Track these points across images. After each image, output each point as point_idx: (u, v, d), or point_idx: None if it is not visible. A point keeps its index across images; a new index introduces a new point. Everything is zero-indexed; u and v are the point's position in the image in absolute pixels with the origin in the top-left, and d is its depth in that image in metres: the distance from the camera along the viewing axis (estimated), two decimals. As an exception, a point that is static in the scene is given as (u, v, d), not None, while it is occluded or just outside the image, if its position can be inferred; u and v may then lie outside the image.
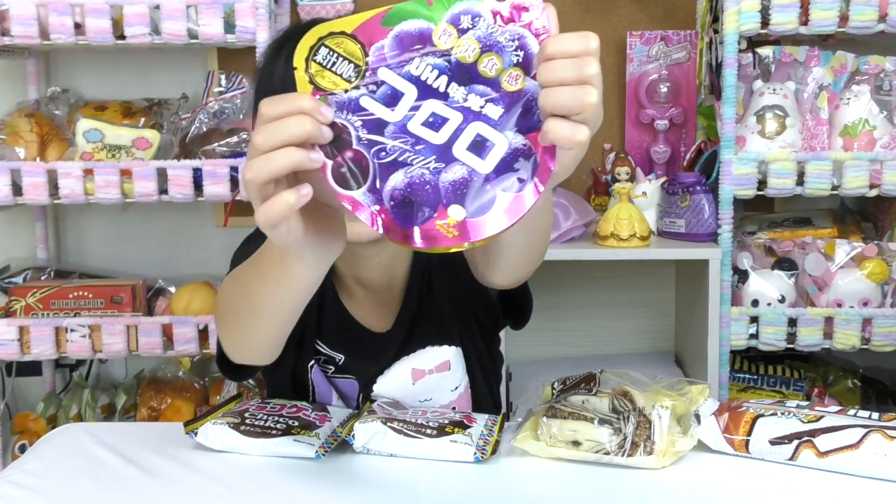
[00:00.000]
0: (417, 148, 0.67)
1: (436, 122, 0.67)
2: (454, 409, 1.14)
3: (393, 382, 1.13)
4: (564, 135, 0.64)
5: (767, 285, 1.84)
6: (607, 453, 0.93)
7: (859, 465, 0.90)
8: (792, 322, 1.82)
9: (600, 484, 0.91)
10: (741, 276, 1.86)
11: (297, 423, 1.00)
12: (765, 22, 1.77)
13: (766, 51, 1.89)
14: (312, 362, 1.14)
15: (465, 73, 0.67)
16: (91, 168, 1.82)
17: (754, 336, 1.84)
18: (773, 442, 0.94)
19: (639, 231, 1.82)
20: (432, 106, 0.67)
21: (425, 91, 0.67)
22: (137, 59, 2.15)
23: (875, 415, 0.95)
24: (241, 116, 1.96)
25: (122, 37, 1.81)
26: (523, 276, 0.99)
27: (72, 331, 1.88)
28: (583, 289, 2.21)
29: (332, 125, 0.67)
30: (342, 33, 0.68)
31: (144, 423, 1.86)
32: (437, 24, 0.67)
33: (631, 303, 2.23)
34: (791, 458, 0.93)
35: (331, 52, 0.68)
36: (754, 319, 1.84)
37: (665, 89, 2.09)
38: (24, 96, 2.10)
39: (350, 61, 0.68)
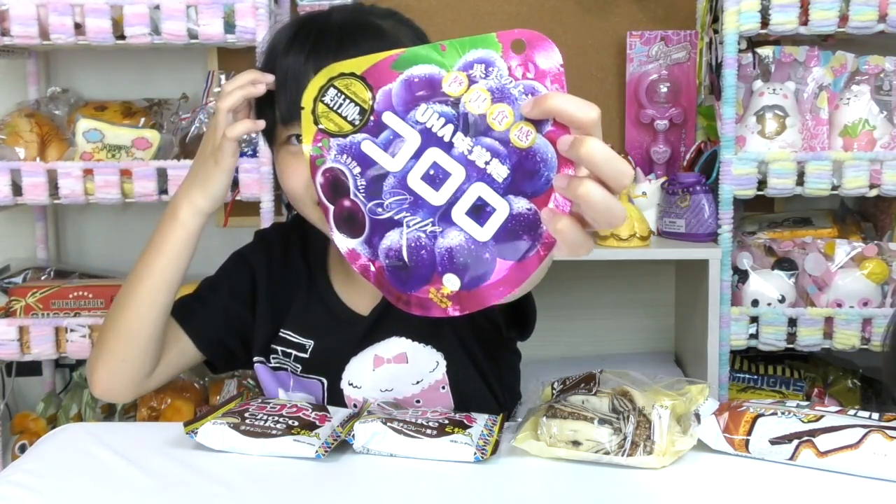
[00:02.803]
0: (415, 208, 0.65)
1: (436, 177, 0.65)
2: (418, 401, 1.15)
3: (359, 366, 1.16)
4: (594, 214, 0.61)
5: (767, 285, 1.84)
6: (607, 453, 0.93)
7: (859, 465, 0.90)
8: (792, 322, 1.82)
9: (600, 484, 0.91)
10: (741, 276, 1.86)
11: (297, 423, 1.00)
12: (765, 22, 1.77)
13: (766, 51, 1.89)
14: (259, 358, 1.21)
15: (472, 124, 0.64)
16: (91, 168, 1.82)
17: (754, 336, 1.84)
18: (773, 442, 0.94)
19: (639, 231, 1.82)
20: (434, 155, 0.65)
21: (429, 139, 0.65)
22: (137, 59, 2.15)
23: (875, 415, 0.95)
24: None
25: (122, 37, 1.80)
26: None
27: (72, 331, 1.88)
28: (583, 289, 2.21)
29: (331, 170, 0.68)
30: (352, 74, 0.67)
31: (144, 423, 1.85)
32: (448, 71, 0.64)
33: (631, 303, 2.23)
34: (791, 458, 0.93)
35: (339, 94, 0.67)
36: (754, 319, 1.83)
37: (665, 89, 2.09)
38: (24, 96, 2.10)
39: (356, 103, 0.67)
